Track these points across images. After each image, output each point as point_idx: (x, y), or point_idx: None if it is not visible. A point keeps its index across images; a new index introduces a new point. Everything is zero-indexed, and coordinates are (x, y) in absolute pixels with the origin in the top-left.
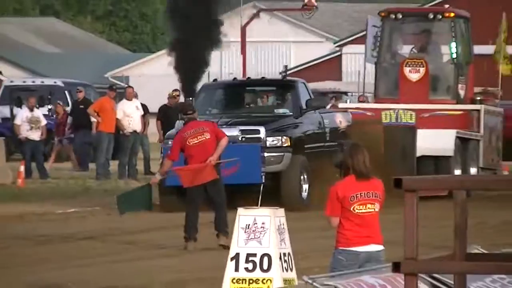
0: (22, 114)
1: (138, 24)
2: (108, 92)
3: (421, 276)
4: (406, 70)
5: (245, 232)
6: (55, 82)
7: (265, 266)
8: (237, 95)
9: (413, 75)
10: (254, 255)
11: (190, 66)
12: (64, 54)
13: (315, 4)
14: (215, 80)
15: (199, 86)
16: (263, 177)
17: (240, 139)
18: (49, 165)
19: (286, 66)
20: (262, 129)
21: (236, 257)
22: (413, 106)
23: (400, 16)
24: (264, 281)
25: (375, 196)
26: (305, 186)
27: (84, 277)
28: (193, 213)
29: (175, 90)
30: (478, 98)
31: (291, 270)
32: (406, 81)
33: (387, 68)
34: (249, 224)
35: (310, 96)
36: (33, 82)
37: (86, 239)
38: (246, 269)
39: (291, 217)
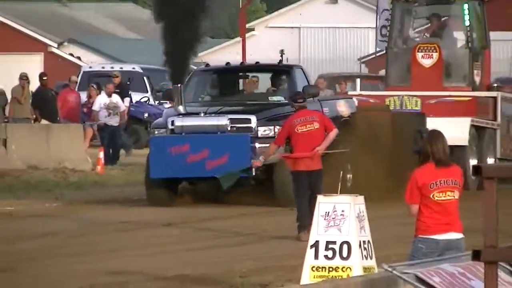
0: (100, 100)
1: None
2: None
3: (500, 264)
4: (419, 55)
5: (324, 219)
6: (133, 68)
7: (344, 254)
8: (229, 81)
9: (426, 60)
10: (334, 242)
11: (178, 52)
12: (143, 40)
13: None
14: (207, 65)
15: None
16: (254, 169)
17: (229, 128)
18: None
19: (282, 51)
20: (253, 118)
21: (316, 244)
22: (419, 93)
23: None
24: (344, 269)
25: (454, 184)
26: None
27: (160, 265)
28: (303, 199)
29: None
30: (495, 84)
31: (371, 258)
32: (418, 67)
33: (398, 54)
34: (328, 212)
35: (309, 83)
36: (112, 68)
37: (163, 227)
38: (326, 256)
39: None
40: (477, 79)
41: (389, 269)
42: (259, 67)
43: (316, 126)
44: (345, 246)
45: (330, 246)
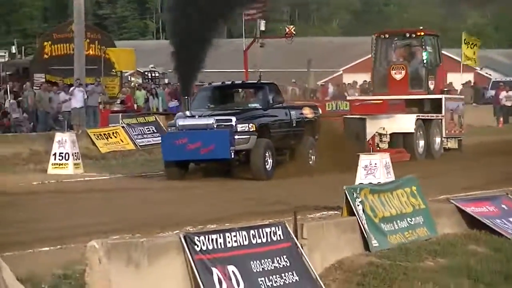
0: None
1: None
2: None
3: None
4: (393, 72)
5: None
6: None
7: None
8: (224, 94)
9: (397, 75)
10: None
11: (187, 70)
12: None
13: (294, 33)
14: (210, 83)
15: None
16: (233, 153)
17: (215, 126)
18: None
19: (260, 72)
20: (233, 118)
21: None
22: (351, 98)
23: (387, 36)
24: None
25: None
26: (270, 161)
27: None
28: None
29: None
30: (445, 89)
31: None
32: (392, 80)
33: (380, 71)
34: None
35: (279, 95)
36: None
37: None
38: None
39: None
40: (431, 86)
41: None
42: (244, 85)
43: None
44: None
45: None
